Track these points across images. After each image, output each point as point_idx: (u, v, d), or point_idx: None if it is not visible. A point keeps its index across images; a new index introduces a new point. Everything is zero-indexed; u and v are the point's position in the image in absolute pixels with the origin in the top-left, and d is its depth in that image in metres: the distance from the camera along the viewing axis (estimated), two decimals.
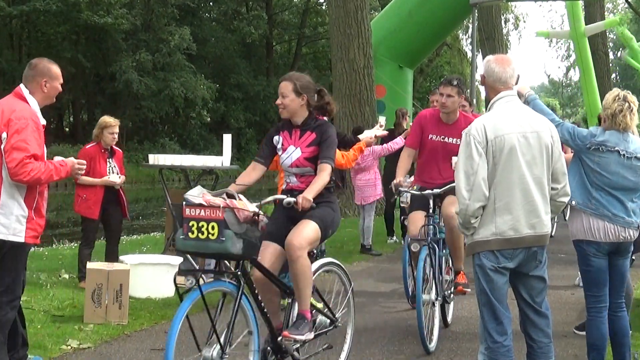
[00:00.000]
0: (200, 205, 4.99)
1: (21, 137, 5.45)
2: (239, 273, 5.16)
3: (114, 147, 9.66)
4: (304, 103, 5.85)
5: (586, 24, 25.73)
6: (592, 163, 5.86)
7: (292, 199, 5.51)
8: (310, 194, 5.52)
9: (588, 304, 6.02)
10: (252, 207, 5.18)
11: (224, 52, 50.22)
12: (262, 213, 5.20)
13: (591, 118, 23.36)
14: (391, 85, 21.37)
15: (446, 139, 7.64)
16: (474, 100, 23.13)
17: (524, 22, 74.81)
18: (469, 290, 7.43)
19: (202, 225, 4.97)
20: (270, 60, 54.15)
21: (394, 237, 14.40)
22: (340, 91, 19.42)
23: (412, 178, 8.25)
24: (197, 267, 8.71)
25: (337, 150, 8.18)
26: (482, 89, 39.52)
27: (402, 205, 9.10)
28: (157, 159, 10.15)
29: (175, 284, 4.99)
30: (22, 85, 5.81)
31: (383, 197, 13.46)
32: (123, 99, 42.60)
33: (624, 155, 5.82)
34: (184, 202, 5.05)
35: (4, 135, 5.48)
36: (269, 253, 5.70)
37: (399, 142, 11.52)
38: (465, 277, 7.70)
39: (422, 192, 7.49)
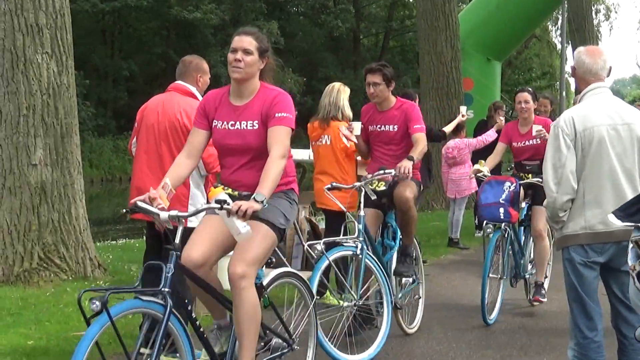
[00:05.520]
0: None
1: None
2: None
3: None
4: None
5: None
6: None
7: None
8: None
9: None
10: None
11: (311, 45, 50.42)
12: None
13: None
14: (479, 78, 21.21)
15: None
16: (564, 93, 22.73)
17: (616, 12, 72.68)
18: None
19: None
20: (357, 53, 54.09)
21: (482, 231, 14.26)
22: (427, 84, 19.37)
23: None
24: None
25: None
26: (572, 81, 38.63)
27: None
28: None
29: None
30: (181, 82, 6.19)
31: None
32: None
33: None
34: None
35: None
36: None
37: (492, 134, 11.39)
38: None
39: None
